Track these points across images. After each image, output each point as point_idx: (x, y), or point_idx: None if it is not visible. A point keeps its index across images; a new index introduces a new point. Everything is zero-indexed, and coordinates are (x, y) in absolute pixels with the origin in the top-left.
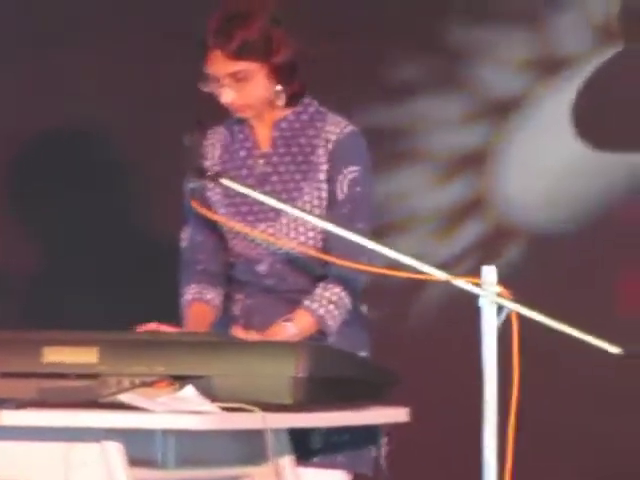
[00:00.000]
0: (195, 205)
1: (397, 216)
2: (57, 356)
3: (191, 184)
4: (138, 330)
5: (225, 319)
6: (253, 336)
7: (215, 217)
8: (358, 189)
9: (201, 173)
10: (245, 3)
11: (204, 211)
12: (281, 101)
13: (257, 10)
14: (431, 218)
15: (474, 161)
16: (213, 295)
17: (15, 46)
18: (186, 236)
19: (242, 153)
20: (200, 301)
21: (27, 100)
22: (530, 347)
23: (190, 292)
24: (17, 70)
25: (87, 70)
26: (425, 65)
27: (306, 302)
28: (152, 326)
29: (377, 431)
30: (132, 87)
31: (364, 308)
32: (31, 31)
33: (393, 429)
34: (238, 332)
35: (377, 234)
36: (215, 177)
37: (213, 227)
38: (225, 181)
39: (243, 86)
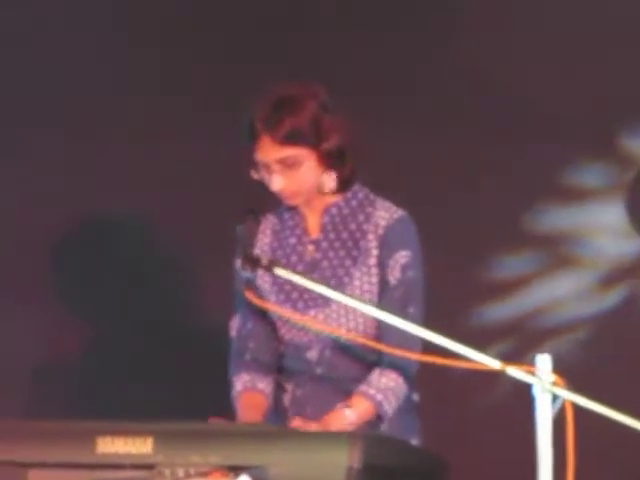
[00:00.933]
0: (249, 295)
1: (552, 322)
2: (111, 446)
3: (245, 274)
4: (205, 421)
5: (278, 408)
6: (312, 426)
7: (267, 306)
8: (410, 274)
9: (254, 262)
10: (294, 88)
11: (258, 301)
12: (330, 188)
13: (306, 96)
14: (585, 325)
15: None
16: (264, 384)
17: (66, 136)
18: (236, 325)
19: (292, 240)
20: (252, 390)
21: (77, 189)
22: (586, 436)
23: (241, 382)
24: (67, 158)
25: (134, 161)
26: (598, 171)
27: (363, 388)
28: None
29: None
30: (180, 175)
31: (416, 396)
32: (80, 125)
33: None
34: (297, 422)
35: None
36: (269, 266)
37: (263, 315)
38: (279, 270)
39: (292, 173)
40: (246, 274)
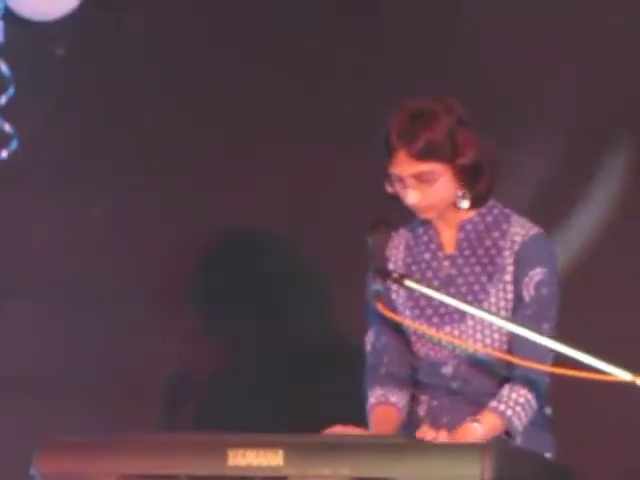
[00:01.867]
0: (380, 307)
1: None
2: (242, 459)
3: (375, 286)
4: (325, 433)
5: (411, 419)
6: (442, 435)
7: (400, 319)
8: (544, 290)
9: (386, 275)
10: (430, 102)
11: (389, 313)
12: (465, 203)
13: (442, 110)
14: None
15: None
16: (398, 398)
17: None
18: (370, 339)
19: (426, 255)
20: (385, 404)
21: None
22: None
23: (375, 395)
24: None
25: (261, 178)
26: None
27: (493, 403)
28: (338, 429)
29: None
30: (312, 187)
31: (548, 409)
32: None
33: None
34: (427, 430)
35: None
36: (400, 279)
37: (398, 329)
38: (410, 283)
39: (427, 187)
40: (376, 286)
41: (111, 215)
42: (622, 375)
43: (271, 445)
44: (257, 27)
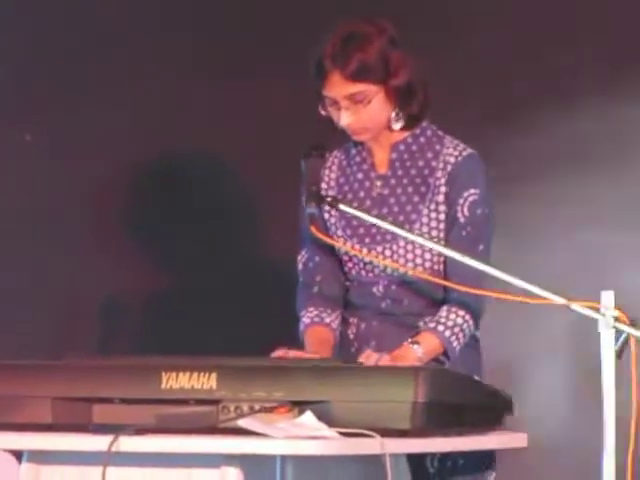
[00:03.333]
0: (314, 230)
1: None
2: (175, 382)
3: (310, 209)
4: (270, 357)
5: (342, 341)
6: (384, 358)
7: (332, 241)
8: (479, 211)
9: (320, 198)
10: (362, 25)
11: (322, 236)
12: (399, 124)
13: (374, 32)
14: None
15: None
16: (331, 318)
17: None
18: (303, 259)
19: (359, 175)
20: (320, 324)
21: (143, 128)
22: None
23: (308, 315)
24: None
25: (198, 96)
26: None
27: (432, 324)
28: (281, 352)
29: (492, 456)
30: (246, 111)
31: (478, 332)
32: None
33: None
34: (370, 354)
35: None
36: (334, 202)
37: (330, 250)
38: (343, 206)
39: (361, 108)
40: (311, 210)
41: (46, 138)
42: (556, 299)
43: (204, 368)
44: None
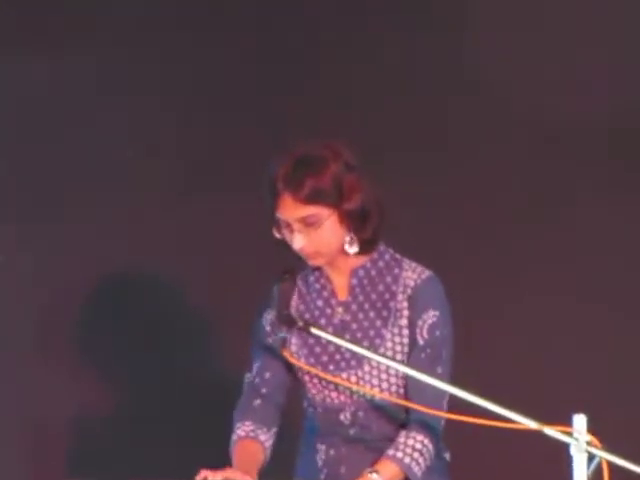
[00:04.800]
0: (287, 354)
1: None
2: None
3: (281, 333)
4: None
5: (309, 467)
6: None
7: (306, 367)
8: (437, 333)
9: (291, 322)
10: (316, 147)
11: (295, 361)
12: (353, 248)
13: (329, 155)
14: None
15: None
16: (266, 437)
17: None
18: (251, 374)
19: (319, 302)
20: (253, 440)
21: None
22: None
23: (244, 429)
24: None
25: (155, 216)
26: None
27: (391, 451)
28: (204, 473)
29: None
30: (200, 230)
31: (447, 455)
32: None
33: None
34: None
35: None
36: (306, 326)
37: (285, 371)
38: (315, 330)
39: (314, 232)
40: (282, 334)
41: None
42: (528, 423)
43: None
44: None
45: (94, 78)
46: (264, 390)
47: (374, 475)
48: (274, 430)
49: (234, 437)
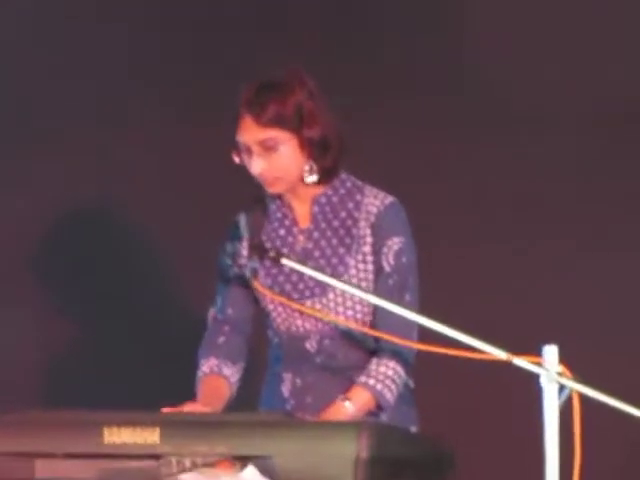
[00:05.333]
0: (257, 284)
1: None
2: (118, 437)
3: (252, 263)
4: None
5: (275, 398)
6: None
7: (276, 296)
8: (403, 259)
9: (262, 251)
10: (281, 74)
11: (265, 290)
12: (312, 177)
13: (293, 82)
14: None
15: None
16: (232, 372)
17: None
18: (214, 310)
19: (281, 231)
20: (218, 375)
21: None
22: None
23: (208, 365)
24: (66, 149)
25: (122, 149)
26: None
27: (362, 378)
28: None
29: None
30: (165, 162)
31: (411, 382)
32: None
33: None
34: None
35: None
36: (277, 256)
37: (247, 305)
38: (286, 260)
39: (272, 156)
40: (253, 264)
41: None
42: (497, 353)
43: (147, 423)
44: None
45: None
46: (228, 324)
47: (346, 403)
48: (240, 364)
49: (199, 374)
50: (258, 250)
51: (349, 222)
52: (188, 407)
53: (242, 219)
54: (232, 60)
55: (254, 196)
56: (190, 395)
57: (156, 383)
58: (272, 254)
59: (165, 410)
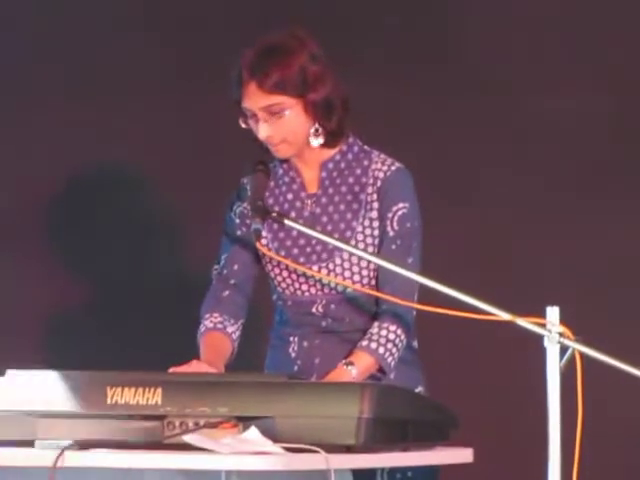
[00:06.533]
0: (260, 246)
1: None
2: (121, 397)
3: (255, 225)
4: (175, 369)
5: (281, 359)
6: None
7: (279, 258)
8: (408, 225)
9: (265, 213)
10: (283, 38)
11: (269, 252)
12: (318, 140)
13: (295, 45)
14: None
15: None
16: (234, 328)
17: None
18: (219, 266)
19: (289, 196)
20: (221, 332)
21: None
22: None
23: (212, 320)
24: (67, 111)
25: (128, 114)
26: None
27: (364, 342)
28: (179, 368)
29: (439, 468)
30: (168, 126)
31: (415, 343)
32: (73, 75)
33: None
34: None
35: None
36: (280, 217)
37: (251, 263)
38: (289, 222)
39: (278, 121)
40: (256, 225)
41: None
42: (501, 314)
43: (150, 383)
44: None
45: None
46: (232, 281)
47: (349, 367)
48: (241, 322)
49: (202, 328)
50: (260, 211)
51: (356, 188)
52: (194, 367)
53: (247, 181)
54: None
55: (258, 159)
56: (192, 354)
57: (157, 343)
58: (274, 214)
59: (172, 370)
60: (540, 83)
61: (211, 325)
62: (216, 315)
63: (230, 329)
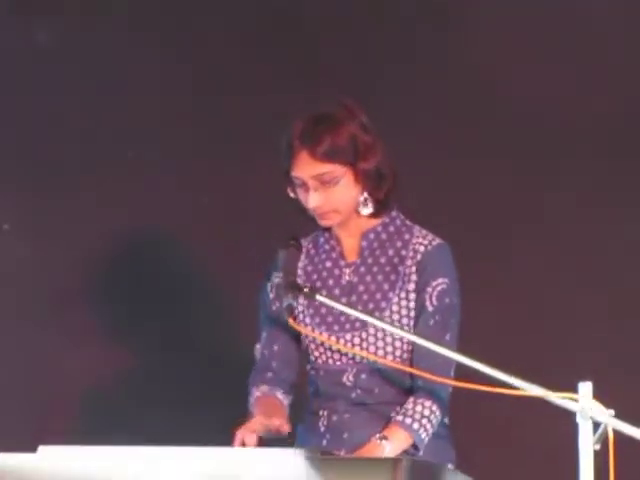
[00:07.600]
0: (292, 322)
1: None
2: None
3: (287, 300)
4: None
5: (310, 433)
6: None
7: (307, 331)
8: (447, 300)
9: (297, 289)
10: (333, 108)
11: (299, 327)
12: (367, 209)
13: (345, 115)
14: None
15: None
16: (284, 397)
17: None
18: (261, 346)
19: (328, 264)
20: (271, 397)
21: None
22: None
23: (261, 389)
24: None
25: (177, 184)
26: None
27: (399, 417)
28: (240, 435)
29: None
30: (217, 201)
31: (446, 419)
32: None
33: None
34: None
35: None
36: (311, 293)
37: (292, 339)
38: (320, 297)
39: (329, 190)
40: (288, 301)
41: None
42: (533, 390)
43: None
44: None
45: None
46: (274, 363)
47: (383, 442)
48: (291, 396)
49: (251, 400)
50: (292, 287)
51: (396, 259)
52: (259, 419)
53: (279, 256)
54: None
55: (290, 235)
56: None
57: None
58: (306, 291)
59: (239, 433)
60: None
61: (259, 393)
62: (264, 387)
63: (280, 395)
